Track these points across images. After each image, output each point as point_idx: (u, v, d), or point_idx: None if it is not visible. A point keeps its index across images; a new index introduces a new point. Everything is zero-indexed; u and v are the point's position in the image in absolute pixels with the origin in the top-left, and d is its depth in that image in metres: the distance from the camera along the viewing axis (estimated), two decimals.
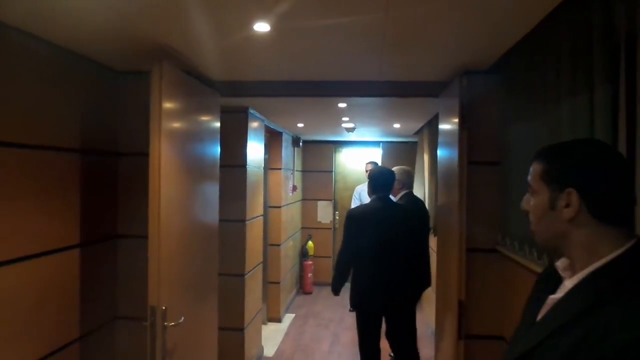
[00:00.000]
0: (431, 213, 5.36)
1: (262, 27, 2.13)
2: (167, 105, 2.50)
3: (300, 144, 7.22)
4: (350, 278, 3.85)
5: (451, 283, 2.80)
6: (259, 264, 4.96)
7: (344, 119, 5.28)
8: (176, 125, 2.65)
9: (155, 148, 2.44)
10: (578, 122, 1.91)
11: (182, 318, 2.57)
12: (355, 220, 3.69)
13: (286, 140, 6.61)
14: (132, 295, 3.08)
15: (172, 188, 2.61)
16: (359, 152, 8.33)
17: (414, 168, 6.84)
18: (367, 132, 6.91)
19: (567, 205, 1.08)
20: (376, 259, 3.59)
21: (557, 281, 1.19)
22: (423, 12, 2.01)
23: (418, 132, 6.53)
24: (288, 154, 6.75)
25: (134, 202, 3.09)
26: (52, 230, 2.46)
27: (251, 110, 4.50)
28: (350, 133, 6.49)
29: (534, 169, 1.19)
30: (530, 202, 1.21)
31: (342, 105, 4.23)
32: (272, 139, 6.20)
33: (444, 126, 3.19)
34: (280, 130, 6.18)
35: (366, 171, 7.03)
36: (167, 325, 2.44)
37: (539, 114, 2.29)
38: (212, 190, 3.29)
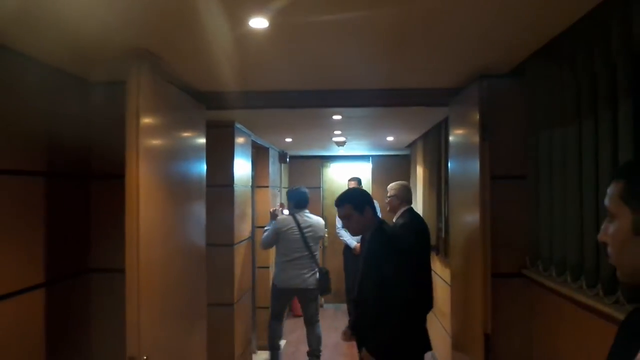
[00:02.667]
0: (430, 230, 5.06)
1: (259, 22, 1.80)
2: (146, 120, 2.15)
3: (287, 159, 6.88)
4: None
5: (474, 314, 2.47)
6: (248, 290, 4.59)
7: (336, 132, 4.98)
8: (157, 142, 2.30)
9: (132, 169, 2.09)
10: (619, 131, 1.65)
11: None
12: (405, 246, 2.75)
13: (273, 156, 6.26)
14: (111, 338, 2.68)
15: (153, 214, 2.25)
16: (348, 166, 8.01)
17: (408, 182, 6.55)
18: (356, 146, 6.61)
19: None
20: (417, 287, 2.86)
21: None
22: (441, 6, 1.72)
23: (410, 145, 6.25)
24: (275, 170, 6.40)
25: (109, 231, 2.70)
26: (9, 270, 2.06)
27: (237, 125, 4.16)
28: (340, 147, 6.18)
29: (612, 189, 0.98)
30: (609, 230, 0.97)
31: (336, 117, 3.92)
32: (259, 155, 5.85)
33: (457, 136, 2.88)
34: (267, 146, 5.84)
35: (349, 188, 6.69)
36: None
37: (572, 121, 2.02)
38: (198, 213, 2.93)
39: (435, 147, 4.73)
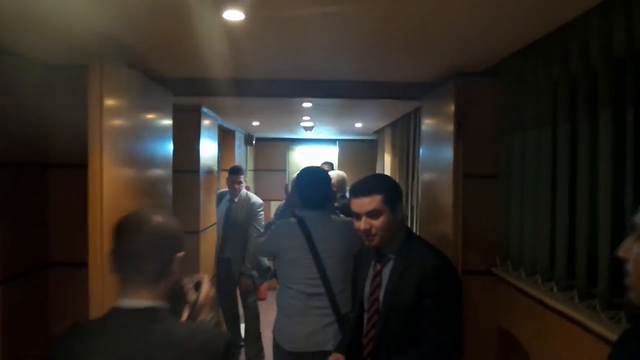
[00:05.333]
0: None
1: (234, 15, 1.71)
2: (110, 109, 2.03)
3: (254, 142, 6.76)
4: None
5: None
6: (212, 277, 4.51)
7: (305, 118, 4.90)
8: (120, 130, 2.18)
9: (95, 160, 1.99)
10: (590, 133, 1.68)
11: None
12: None
13: (239, 139, 6.13)
14: None
15: (118, 203, 2.14)
16: (314, 150, 7.95)
17: (373, 168, 6.56)
18: (324, 131, 6.54)
19: None
20: None
21: None
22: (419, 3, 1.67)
23: (378, 132, 6.24)
24: (241, 153, 6.28)
25: (69, 223, 2.57)
26: None
27: (204, 109, 4.03)
28: (307, 131, 6.11)
29: None
30: (635, 250, 0.93)
31: (306, 104, 3.84)
32: (225, 138, 5.72)
33: (430, 133, 2.87)
34: (233, 129, 5.71)
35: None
36: None
37: (545, 121, 2.03)
38: (164, 201, 2.82)
39: (404, 138, 4.73)
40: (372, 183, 1.98)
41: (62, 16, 1.77)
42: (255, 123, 5.47)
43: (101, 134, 1.96)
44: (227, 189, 4.77)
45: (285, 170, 7.81)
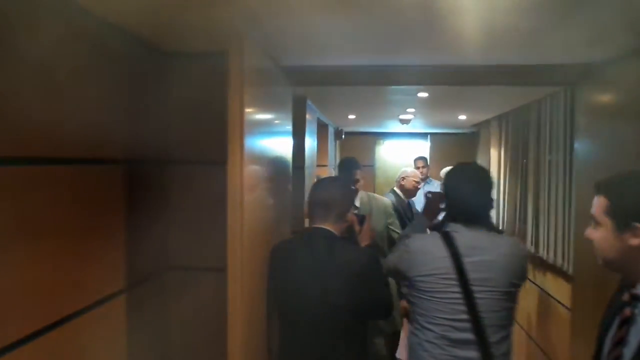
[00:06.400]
0: (506, 219, 4.65)
1: None
2: (249, 101, 1.80)
3: (343, 136, 6.50)
4: None
5: None
6: None
7: (409, 110, 4.56)
8: (257, 125, 1.96)
9: (236, 156, 1.76)
10: None
11: None
12: None
13: (330, 133, 5.89)
14: (191, 345, 2.42)
15: (254, 207, 1.92)
16: (403, 144, 7.57)
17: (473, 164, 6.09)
18: (416, 123, 6.13)
19: None
20: None
21: None
22: None
23: (479, 124, 5.77)
24: (332, 148, 6.04)
25: (188, 225, 2.40)
26: (91, 278, 1.77)
27: (308, 102, 3.79)
28: (403, 124, 5.75)
29: None
30: None
31: (422, 94, 3.51)
32: (320, 133, 5.49)
33: (593, 122, 2.44)
34: (327, 123, 5.47)
35: (417, 168, 5.98)
36: None
37: None
38: (285, 200, 2.62)
39: (520, 131, 4.28)
40: (610, 179, 1.39)
41: None
42: (352, 116, 5.19)
43: (242, 128, 1.73)
44: None
45: (372, 166, 7.50)
